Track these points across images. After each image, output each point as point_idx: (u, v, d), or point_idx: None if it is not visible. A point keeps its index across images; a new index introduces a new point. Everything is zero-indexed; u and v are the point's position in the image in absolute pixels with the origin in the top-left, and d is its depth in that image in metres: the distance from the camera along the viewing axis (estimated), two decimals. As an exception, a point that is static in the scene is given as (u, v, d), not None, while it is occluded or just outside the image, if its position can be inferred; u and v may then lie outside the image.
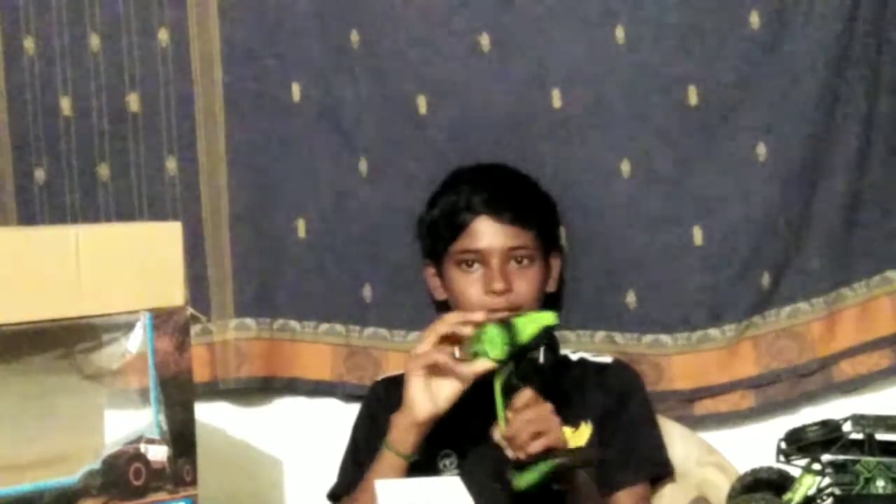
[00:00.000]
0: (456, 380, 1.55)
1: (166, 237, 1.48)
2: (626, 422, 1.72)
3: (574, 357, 1.78)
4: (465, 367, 1.53)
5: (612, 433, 1.70)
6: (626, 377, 1.77)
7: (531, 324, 1.54)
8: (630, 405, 1.74)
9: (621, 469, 1.69)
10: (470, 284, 1.70)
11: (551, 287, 1.78)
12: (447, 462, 1.68)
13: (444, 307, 1.76)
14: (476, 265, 1.70)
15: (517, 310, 1.64)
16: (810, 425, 1.51)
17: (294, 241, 1.93)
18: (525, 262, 1.71)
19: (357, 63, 1.87)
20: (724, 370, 1.86)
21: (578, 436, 1.67)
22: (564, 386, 1.69)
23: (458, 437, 1.65)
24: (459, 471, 1.65)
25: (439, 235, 1.74)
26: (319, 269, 1.93)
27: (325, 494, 1.76)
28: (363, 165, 1.89)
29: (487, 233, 1.70)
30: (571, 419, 1.65)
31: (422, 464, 1.60)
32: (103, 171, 1.91)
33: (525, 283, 1.70)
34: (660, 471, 1.74)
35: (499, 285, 1.67)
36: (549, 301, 1.76)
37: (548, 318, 1.56)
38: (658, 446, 1.74)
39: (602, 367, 1.77)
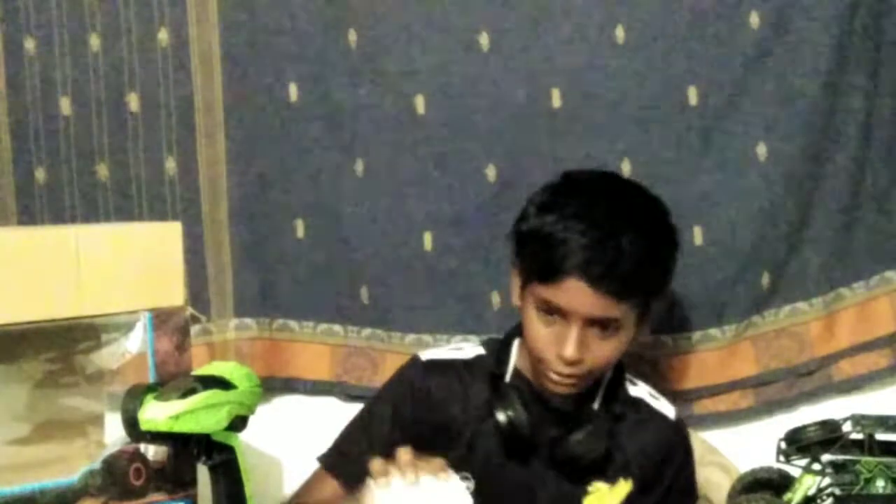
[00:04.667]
0: None
1: (166, 237, 1.48)
2: (679, 489, 1.64)
3: (634, 392, 1.64)
4: None
5: (665, 495, 1.61)
6: (686, 441, 1.66)
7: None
8: (684, 473, 1.65)
9: None
10: (543, 332, 1.52)
11: (644, 334, 1.62)
12: (464, 483, 1.55)
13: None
14: (557, 317, 1.50)
15: (586, 376, 1.53)
16: (810, 425, 1.51)
17: (293, 241, 1.93)
18: (611, 329, 1.50)
19: (355, 63, 1.87)
20: (723, 370, 1.86)
21: (615, 493, 1.56)
22: (617, 434, 1.57)
23: (476, 460, 1.58)
24: (475, 492, 1.53)
25: (529, 261, 1.54)
26: (318, 270, 1.93)
27: (316, 456, 1.69)
28: (361, 165, 1.89)
29: (578, 296, 1.47)
30: (613, 473, 1.56)
31: None
32: (103, 171, 1.91)
33: (604, 352, 1.51)
34: None
35: (570, 354, 1.48)
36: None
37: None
38: None
39: (665, 422, 1.63)
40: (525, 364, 1.60)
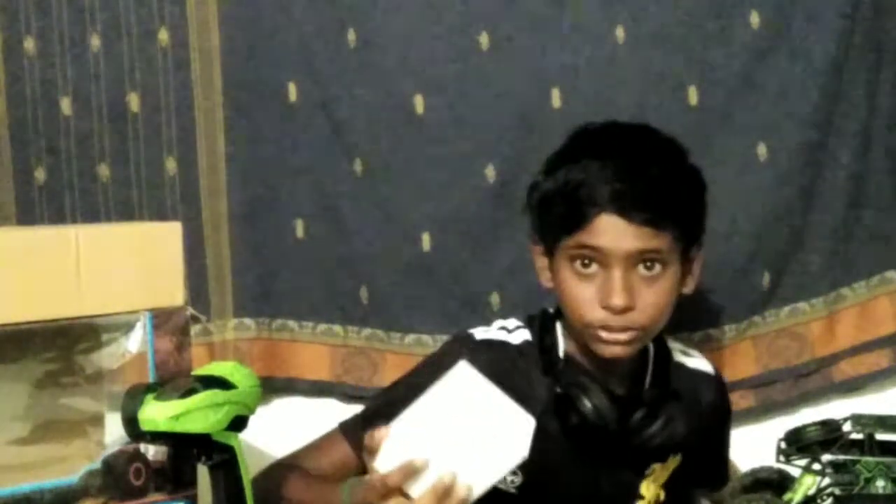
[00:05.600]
0: None
1: (166, 237, 1.48)
2: (719, 444, 1.63)
3: (673, 359, 1.56)
4: None
5: (705, 456, 1.59)
6: (727, 395, 1.62)
7: None
8: (725, 430, 1.64)
9: (701, 487, 1.62)
10: (583, 290, 1.40)
11: (689, 287, 1.49)
12: (509, 477, 1.43)
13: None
14: (594, 266, 1.39)
15: (638, 330, 1.41)
16: (810, 425, 1.51)
17: (293, 241, 1.92)
18: (657, 267, 1.40)
19: (354, 62, 1.87)
20: (723, 370, 1.85)
21: (664, 470, 1.52)
22: (666, 413, 1.45)
23: (532, 452, 1.32)
24: (518, 491, 1.45)
25: (553, 219, 1.43)
26: (318, 270, 1.93)
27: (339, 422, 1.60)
28: (361, 166, 1.89)
29: (613, 232, 1.37)
30: (666, 453, 1.49)
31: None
32: (103, 170, 1.91)
33: (653, 297, 1.40)
34: (725, 483, 1.64)
35: (619, 301, 1.37)
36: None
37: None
38: (728, 461, 1.67)
39: (707, 381, 1.58)
40: (573, 348, 1.49)
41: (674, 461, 1.51)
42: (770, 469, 1.53)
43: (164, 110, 1.90)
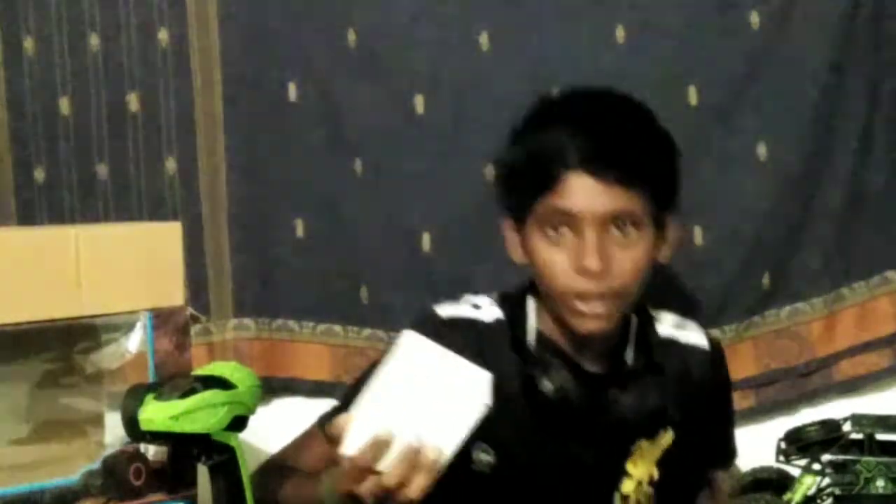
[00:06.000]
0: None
1: (166, 237, 1.48)
2: (722, 416, 1.56)
3: (662, 332, 1.49)
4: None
5: (708, 429, 1.51)
6: (724, 366, 1.55)
7: None
8: (725, 398, 1.57)
9: (712, 460, 1.56)
10: (556, 256, 1.34)
11: (664, 256, 1.42)
12: (483, 458, 1.42)
13: (522, 273, 1.48)
14: (565, 230, 1.34)
15: (614, 298, 1.35)
16: (810, 425, 1.51)
17: (292, 241, 1.92)
18: (630, 230, 1.34)
19: (354, 62, 1.87)
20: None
21: (655, 447, 1.46)
22: (655, 387, 1.41)
23: (504, 432, 1.38)
24: (492, 471, 1.42)
25: (521, 187, 1.38)
26: (317, 270, 1.93)
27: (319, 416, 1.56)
28: (361, 165, 1.89)
29: (583, 193, 1.31)
30: (653, 428, 1.44)
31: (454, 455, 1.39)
32: (102, 171, 1.91)
33: (628, 260, 1.34)
34: (734, 459, 1.61)
35: (594, 263, 1.31)
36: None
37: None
38: (734, 435, 1.61)
39: (700, 355, 1.51)
40: (547, 325, 1.44)
41: (665, 438, 1.45)
42: (770, 469, 1.53)
43: (163, 110, 1.90)
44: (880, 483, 1.46)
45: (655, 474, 1.46)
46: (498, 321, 1.47)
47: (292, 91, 1.89)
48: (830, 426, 1.51)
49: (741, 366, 1.86)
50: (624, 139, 1.34)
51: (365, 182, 1.89)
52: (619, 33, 1.82)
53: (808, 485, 1.47)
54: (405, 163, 1.88)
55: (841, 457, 1.49)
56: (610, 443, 1.43)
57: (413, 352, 1.21)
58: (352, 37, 1.87)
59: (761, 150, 1.83)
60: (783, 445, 1.54)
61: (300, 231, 1.92)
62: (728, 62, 1.82)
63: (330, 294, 1.93)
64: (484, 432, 1.26)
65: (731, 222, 1.84)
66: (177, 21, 1.88)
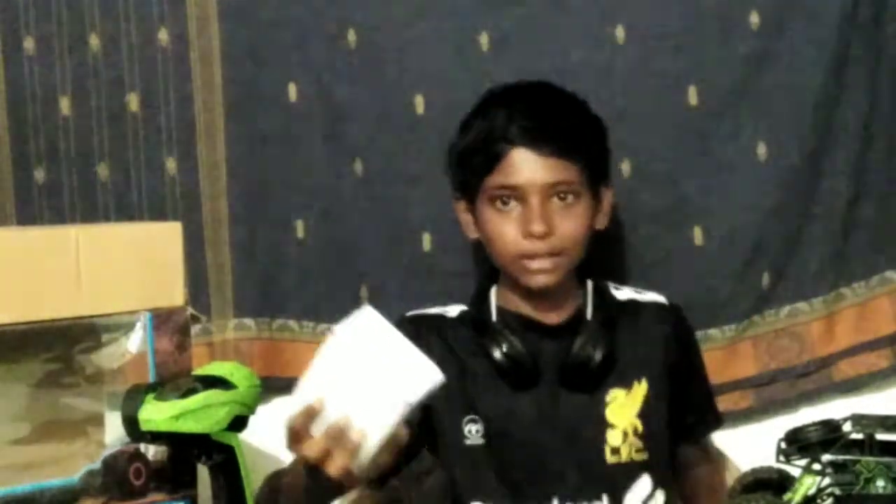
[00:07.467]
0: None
1: (166, 237, 1.48)
2: (695, 373, 1.70)
3: (621, 296, 1.66)
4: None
5: (683, 386, 1.65)
6: (685, 321, 1.70)
7: None
8: (692, 353, 1.71)
9: (700, 422, 1.71)
10: (505, 224, 1.55)
11: (601, 223, 1.63)
12: (473, 429, 1.57)
13: (478, 250, 1.68)
14: (513, 202, 1.55)
15: (559, 255, 1.55)
16: (810, 425, 1.51)
17: (293, 241, 1.92)
18: (570, 198, 1.55)
19: (354, 62, 1.87)
20: (723, 370, 1.86)
21: (633, 397, 1.60)
22: (617, 338, 1.59)
23: (486, 402, 1.58)
24: (485, 439, 1.57)
25: (471, 167, 1.58)
26: (318, 270, 1.92)
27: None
28: (361, 165, 1.89)
29: (526, 167, 1.53)
30: (624, 378, 1.59)
31: (446, 429, 1.56)
32: (103, 171, 1.91)
33: (570, 224, 1.55)
34: (720, 423, 1.75)
35: (538, 227, 1.52)
36: (599, 241, 1.65)
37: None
38: (713, 396, 1.74)
39: (659, 309, 1.66)
40: (507, 299, 1.63)
41: (640, 388, 1.59)
42: (770, 469, 1.52)
43: (164, 110, 1.89)
44: (880, 483, 1.45)
45: (640, 426, 1.58)
46: (462, 312, 1.66)
47: (292, 91, 1.89)
48: (830, 426, 1.50)
49: (741, 366, 1.87)
50: (559, 118, 1.57)
51: (365, 182, 1.89)
52: (619, 33, 1.82)
53: (808, 485, 1.47)
54: (405, 163, 1.88)
55: (841, 457, 1.48)
56: (581, 388, 1.58)
57: (367, 327, 1.25)
58: (352, 37, 1.87)
59: (761, 150, 1.83)
60: (783, 445, 1.53)
61: (300, 231, 1.92)
62: (728, 62, 1.82)
63: (330, 294, 1.93)
64: (469, 408, 1.54)
65: (731, 222, 1.84)
66: (177, 21, 1.88)
